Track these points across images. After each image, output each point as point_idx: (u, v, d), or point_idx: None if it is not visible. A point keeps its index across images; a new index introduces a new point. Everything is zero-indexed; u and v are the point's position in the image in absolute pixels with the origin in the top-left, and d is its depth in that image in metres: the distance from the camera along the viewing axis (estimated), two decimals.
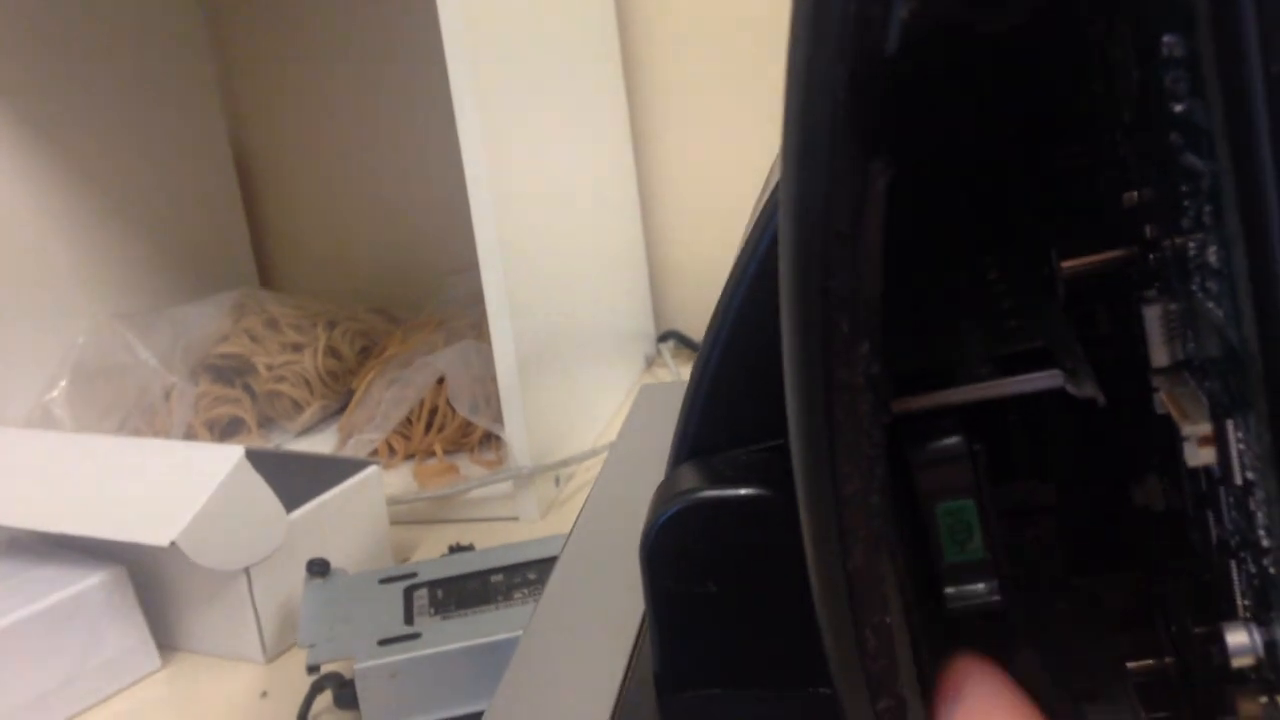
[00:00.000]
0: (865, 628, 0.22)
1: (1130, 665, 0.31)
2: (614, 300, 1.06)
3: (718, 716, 0.31)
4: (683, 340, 1.13)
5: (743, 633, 0.31)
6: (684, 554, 0.32)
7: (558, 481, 0.88)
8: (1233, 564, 0.23)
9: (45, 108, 1.00)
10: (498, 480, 0.85)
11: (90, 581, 0.69)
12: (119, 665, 0.71)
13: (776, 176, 0.27)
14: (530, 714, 0.32)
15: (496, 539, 0.79)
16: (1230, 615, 0.24)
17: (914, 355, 0.26)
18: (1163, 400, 0.24)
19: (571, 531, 0.44)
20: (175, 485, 0.70)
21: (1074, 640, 0.33)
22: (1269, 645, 0.22)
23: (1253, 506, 0.21)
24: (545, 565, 0.67)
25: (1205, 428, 0.22)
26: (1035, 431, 0.32)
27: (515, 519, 0.85)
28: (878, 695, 0.22)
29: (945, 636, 0.24)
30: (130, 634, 0.71)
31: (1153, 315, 0.24)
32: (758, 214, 0.32)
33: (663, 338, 1.14)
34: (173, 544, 0.66)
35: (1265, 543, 0.21)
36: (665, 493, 0.33)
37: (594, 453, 0.89)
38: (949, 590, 0.23)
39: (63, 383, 0.95)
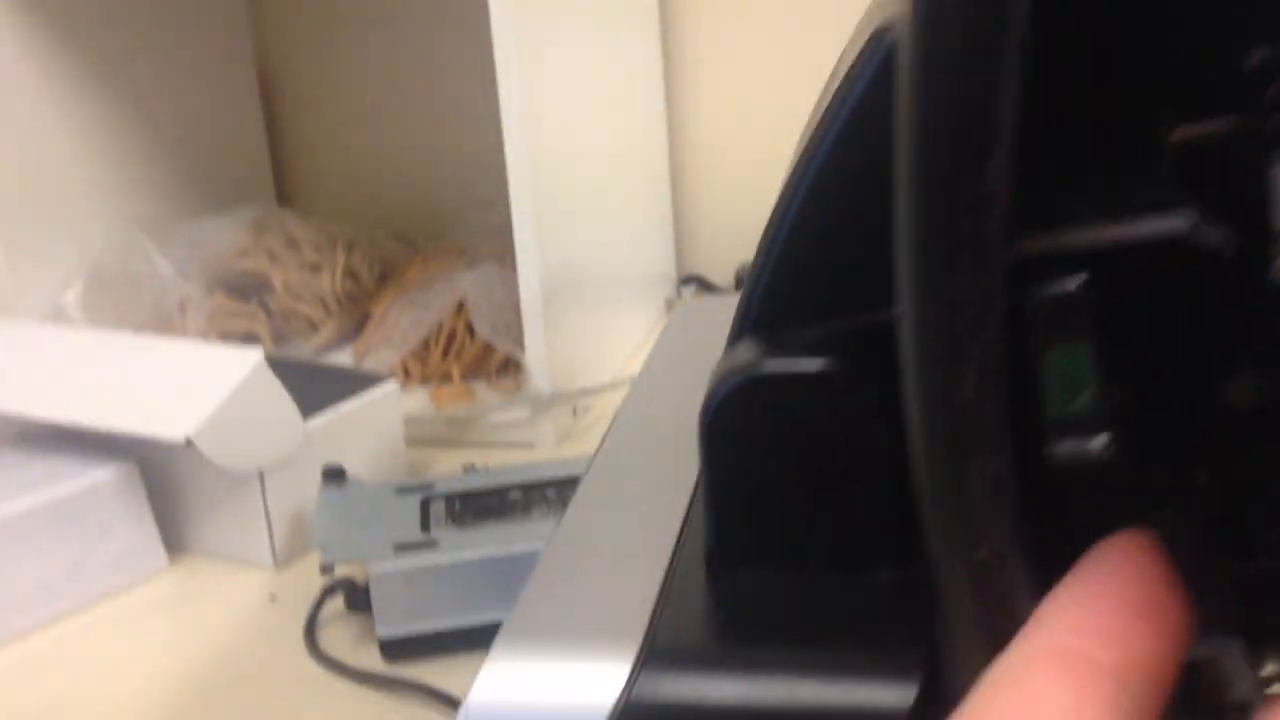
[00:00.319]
0: (972, 468, 0.20)
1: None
2: (638, 240, 1.05)
3: (772, 595, 0.30)
4: (705, 285, 1.12)
5: (803, 512, 0.30)
6: (746, 429, 0.30)
7: (575, 411, 0.86)
8: None
9: (72, 15, 0.98)
10: (515, 406, 0.84)
11: (100, 475, 0.68)
12: (125, 561, 0.70)
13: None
14: (574, 593, 0.31)
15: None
16: None
17: (1028, 200, 0.24)
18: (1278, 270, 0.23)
19: (603, 440, 0.42)
20: (193, 383, 0.69)
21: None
22: None
23: None
24: (565, 485, 0.66)
25: None
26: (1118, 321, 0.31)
27: (531, 445, 0.84)
28: (977, 544, 0.21)
29: (1055, 502, 0.23)
30: (138, 531, 0.70)
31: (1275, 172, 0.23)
32: (835, 83, 0.31)
33: (684, 281, 1.13)
34: (188, 441, 0.65)
35: None
36: (727, 365, 0.31)
37: (613, 385, 0.88)
38: (1055, 447, 0.22)
39: (78, 286, 0.93)
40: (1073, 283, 0.21)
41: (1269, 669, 0.26)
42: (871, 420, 0.30)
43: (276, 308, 1.01)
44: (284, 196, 1.25)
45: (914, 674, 0.27)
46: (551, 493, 0.66)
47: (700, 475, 0.31)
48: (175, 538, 0.73)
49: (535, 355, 0.82)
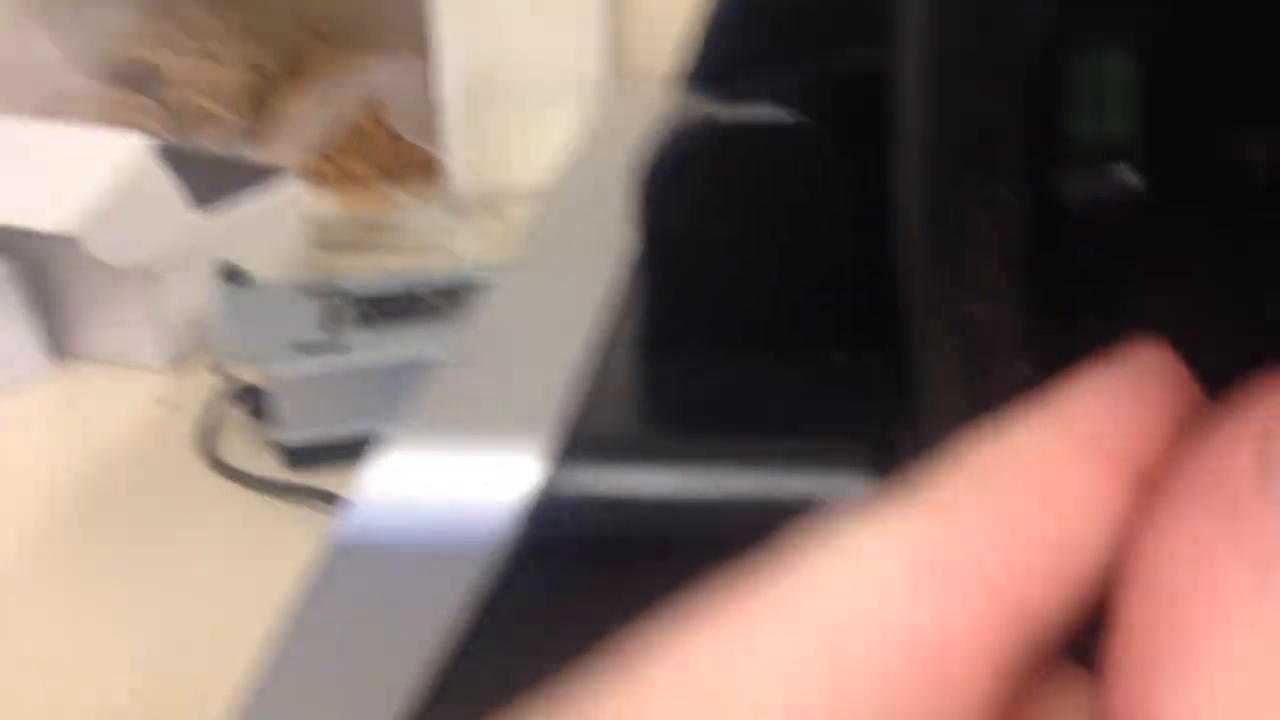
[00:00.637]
0: (972, 195, 0.16)
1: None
2: (569, 32, 0.97)
3: (710, 379, 0.26)
4: None
5: (751, 284, 0.26)
6: (692, 187, 0.26)
7: (499, 214, 0.81)
8: None
9: None
10: (432, 208, 0.78)
11: None
12: (3, 365, 0.64)
13: None
14: (484, 380, 0.27)
15: None
16: None
17: None
18: None
19: (522, 238, 0.37)
20: (74, 172, 0.62)
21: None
22: None
23: None
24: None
25: None
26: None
27: (451, 252, 0.79)
28: (972, 293, 0.16)
29: (1068, 242, 0.19)
30: (16, 332, 0.64)
31: None
32: None
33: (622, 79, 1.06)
34: (68, 234, 0.59)
35: None
36: (675, 116, 0.26)
37: (540, 188, 0.83)
38: (1071, 175, 0.17)
39: None
40: None
41: None
42: (836, 180, 0.25)
43: (171, 101, 0.93)
44: None
45: (862, 465, 0.23)
46: (476, 297, 0.61)
47: (630, 258, 0.27)
48: (61, 341, 0.67)
49: (456, 155, 0.76)
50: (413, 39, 0.90)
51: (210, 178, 0.70)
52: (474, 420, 0.25)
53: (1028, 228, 0.17)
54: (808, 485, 0.23)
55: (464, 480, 0.24)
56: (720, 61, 0.27)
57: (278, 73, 0.96)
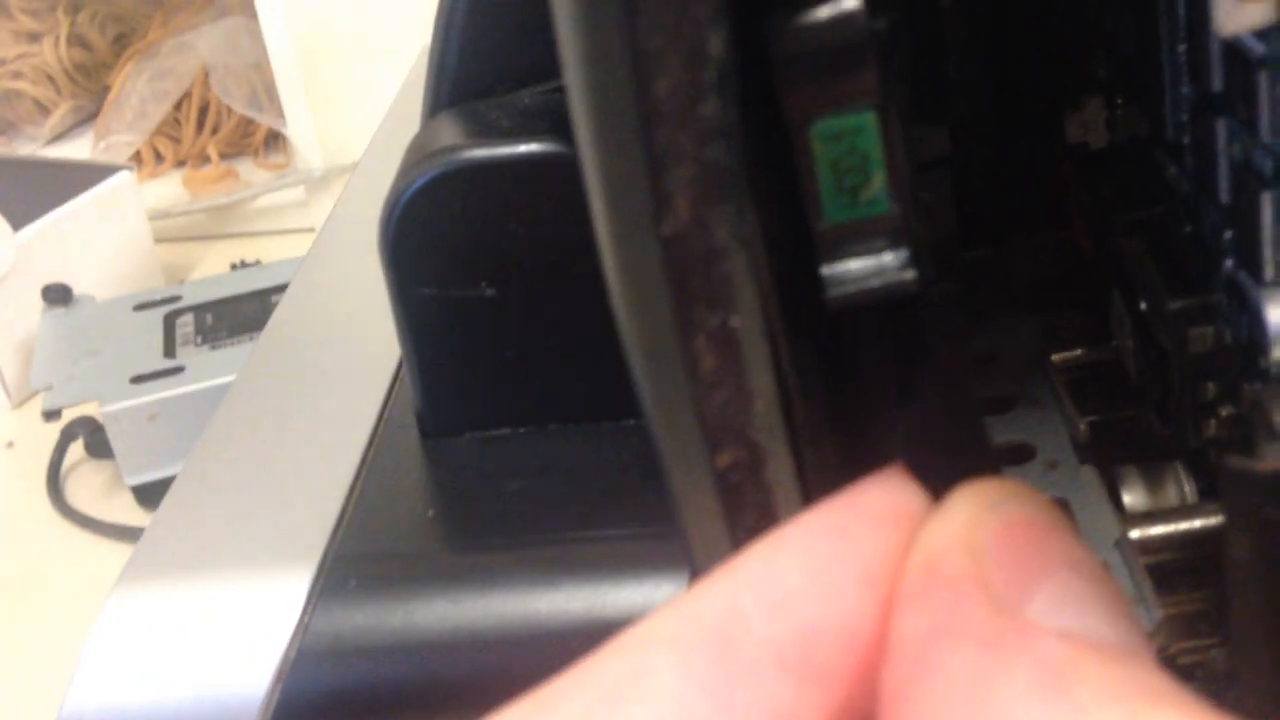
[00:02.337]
0: (695, 335, 0.12)
1: (1056, 358, 0.23)
2: None
3: (503, 464, 0.22)
4: None
5: (529, 350, 0.22)
6: (444, 242, 0.22)
7: None
8: (1266, 198, 0.15)
9: None
10: (284, 185, 0.73)
11: None
12: None
13: None
14: (243, 472, 0.23)
15: (289, 254, 0.68)
16: (1244, 278, 0.16)
17: None
18: None
19: (323, 226, 0.33)
20: None
21: (976, 333, 0.25)
22: None
23: None
24: None
25: None
26: (925, 57, 0.23)
27: (311, 230, 0.74)
28: (718, 445, 0.13)
29: (831, 344, 0.15)
30: None
31: None
32: None
33: None
34: None
35: None
36: (416, 152, 0.22)
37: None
38: (830, 269, 0.14)
39: None
40: (845, 4, 0.13)
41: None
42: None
43: None
44: None
45: (684, 566, 0.20)
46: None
47: (394, 308, 0.23)
48: None
49: (299, 124, 0.71)
50: None
51: (32, 186, 0.64)
52: (222, 548, 0.21)
53: (781, 351, 0.14)
54: (617, 596, 0.20)
55: (213, 634, 0.20)
56: (462, 85, 0.22)
57: (107, 44, 0.89)
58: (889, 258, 0.14)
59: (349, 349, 0.27)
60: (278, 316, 0.29)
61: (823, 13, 0.13)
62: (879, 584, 0.11)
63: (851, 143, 0.13)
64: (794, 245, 0.15)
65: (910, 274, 0.14)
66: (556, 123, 0.22)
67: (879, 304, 0.14)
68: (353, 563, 0.20)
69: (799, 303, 0.15)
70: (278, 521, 0.21)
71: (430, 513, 0.21)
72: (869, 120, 0.13)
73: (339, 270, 0.31)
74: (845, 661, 0.11)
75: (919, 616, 0.11)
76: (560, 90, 0.23)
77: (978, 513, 0.11)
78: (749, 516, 0.14)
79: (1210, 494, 0.19)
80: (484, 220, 0.22)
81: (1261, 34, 0.14)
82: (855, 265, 0.14)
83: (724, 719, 0.10)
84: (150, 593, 0.21)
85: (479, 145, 0.21)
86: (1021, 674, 0.10)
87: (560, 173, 0.21)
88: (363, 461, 0.23)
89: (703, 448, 0.13)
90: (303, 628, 0.20)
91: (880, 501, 0.12)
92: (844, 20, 0.13)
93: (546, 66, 0.23)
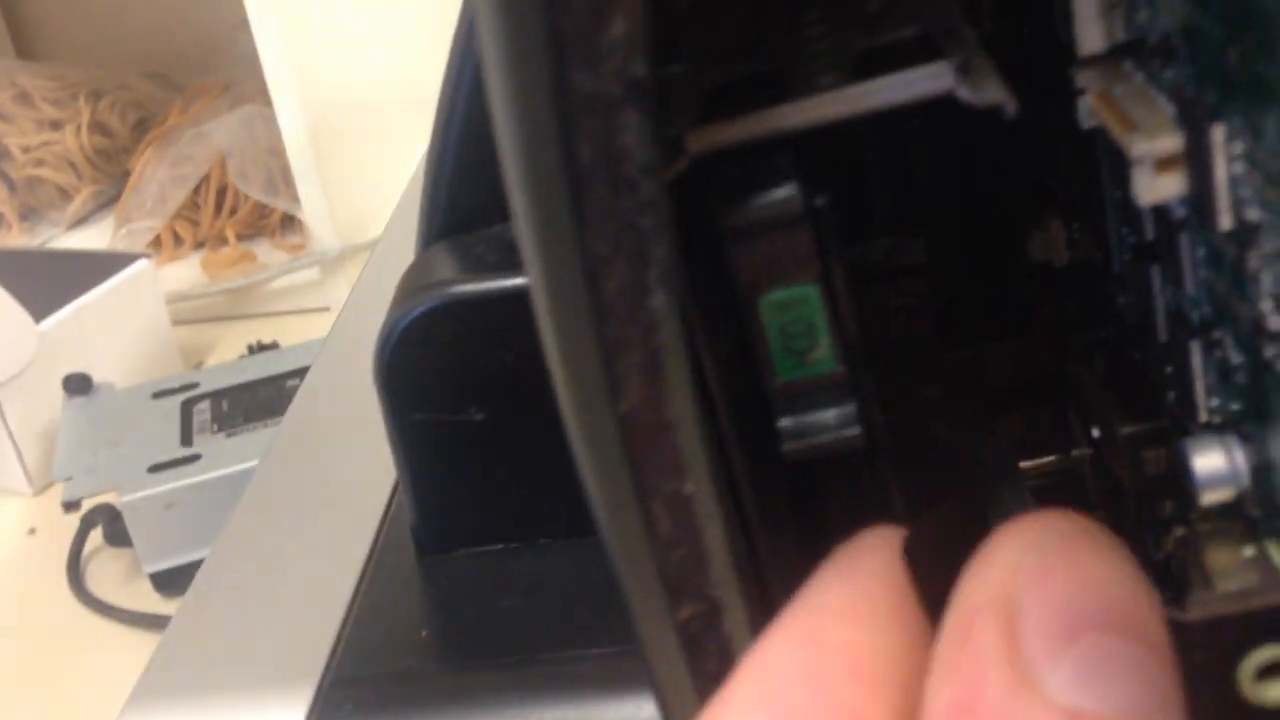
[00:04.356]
0: (652, 501, 0.13)
1: (1026, 465, 0.24)
2: (423, 54, 0.93)
3: (495, 581, 0.23)
4: None
5: (520, 471, 0.23)
6: (435, 370, 0.23)
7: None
8: (1194, 346, 0.16)
9: None
10: (300, 267, 0.74)
11: None
12: None
13: None
14: (248, 590, 0.24)
15: (306, 334, 0.69)
16: (1182, 414, 0.17)
17: (719, 60, 0.16)
18: (1093, 106, 0.16)
19: (330, 331, 0.34)
20: None
21: (947, 438, 0.26)
22: (1259, 471, 0.14)
23: (1253, 263, 0.13)
24: None
25: (1169, 143, 0.14)
26: (897, 169, 0.24)
27: (327, 309, 0.75)
28: (678, 600, 0.14)
29: (792, 490, 0.16)
30: None
31: None
32: None
33: None
34: None
35: (1272, 321, 0.13)
36: (409, 285, 0.23)
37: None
38: (783, 424, 0.15)
39: None
40: (780, 191, 0.14)
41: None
42: None
43: (18, 177, 0.88)
44: (20, 47, 1.09)
45: None
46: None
47: (390, 435, 0.24)
48: None
49: (314, 209, 0.72)
50: (264, 80, 0.85)
51: (51, 277, 0.66)
52: (226, 669, 0.22)
53: (736, 508, 0.14)
54: (603, 713, 0.20)
55: None
56: (453, 218, 0.24)
57: (127, 130, 0.92)
58: (835, 414, 0.15)
59: (354, 454, 0.28)
60: (290, 416, 0.30)
61: (764, 197, 0.14)
62: (877, 680, 0.12)
63: (798, 311, 0.15)
64: (755, 396, 0.16)
65: (855, 430, 0.15)
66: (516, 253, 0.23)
67: (834, 457, 0.15)
68: (349, 687, 0.21)
69: (764, 446, 0.16)
70: (280, 640, 0.22)
71: (424, 633, 0.22)
72: (811, 292, 0.14)
73: (350, 369, 0.32)
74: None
75: (947, 686, 0.11)
76: None
77: (1018, 558, 0.11)
78: (710, 663, 0.14)
79: (1174, 603, 0.20)
80: (472, 349, 0.23)
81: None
82: (807, 420, 0.15)
83: None
84: (162, 708, 0.21)
85: (466, 280, 0.22)
86: None
87: (520, 303, 0.22)
88: (361, 578, 0.24)
89: (664, 601, 0.14)
90: None
91: (848, 595, 0.13)
92: (783, 202, 0.14)
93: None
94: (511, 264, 0.23)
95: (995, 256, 0.25)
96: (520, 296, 0.22)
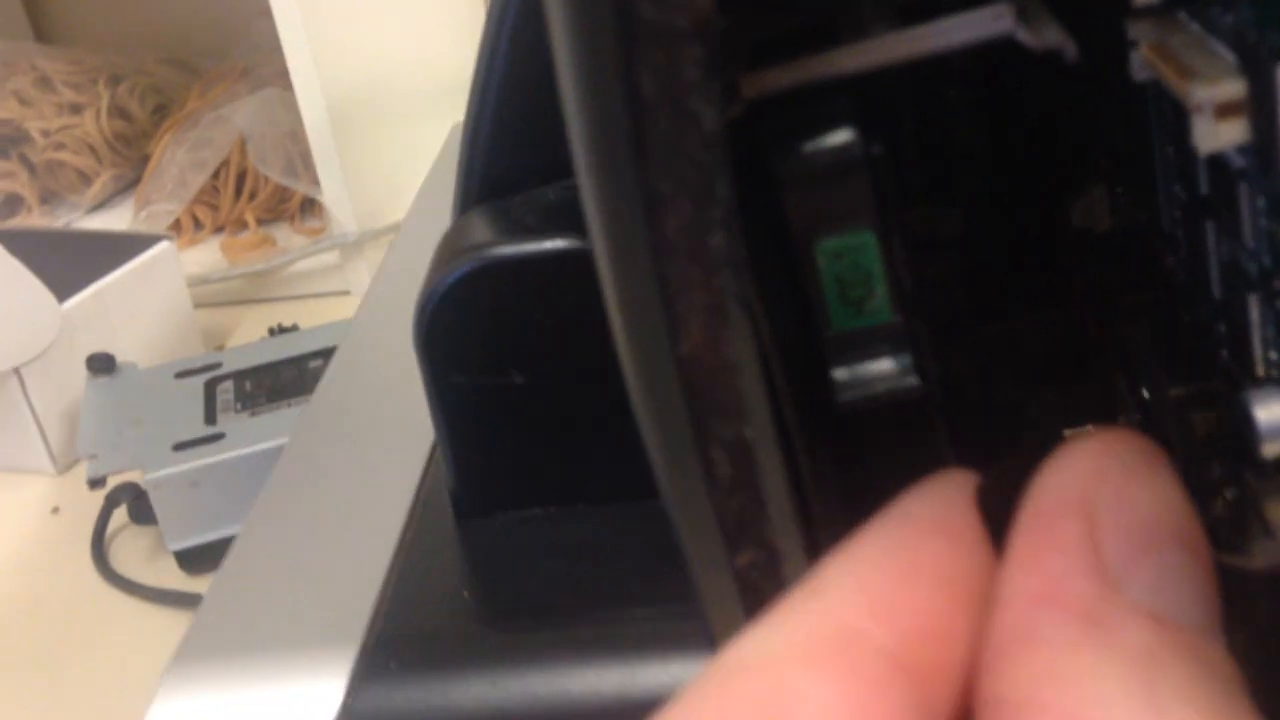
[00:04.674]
0: (712, 445, 0.13)
1: (1068, 433, 0.24)
2: (443, 37, 0.93)
3: (534, 544, 0.23)
4: None
5: (560, 435, 0.23)
6: (475, 333, 0.23)
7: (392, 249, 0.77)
8: (1253, 299, 0.16)
9: None
10: (319, 250, 0.74)
11: None
12: None
13: None
14: (287, 554, 0.24)
15: (325, 317, 0.69)
16: (1238, 371, 0.16)
17: (779, 10, 0.16)
18: (1147, 58, 0.16)
19: (361, 305, 0.34)
20: None
21: (988, 407, 0.26)
22: None
23: None
24: None
25: (1230, 88, 0.14)
26: (933, 140, 0.24)
27: (346, 293, 0.76)
28: (737, 545, 0.14)
29: (840, 444, 0.16)
30: None
31: None
32: None
33: None
34: None
35: None
36: (447, 250, 0.23)
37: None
38: (838, 374, 0.15)
39: None
40: (840, 135, 0.14)
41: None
42: None
43: (38, 160, 0.88)
44: (42, 31, 1.09)
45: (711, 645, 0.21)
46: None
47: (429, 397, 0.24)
48: None
49: (335, 193, 0.72)
50: (282, 64, 0.85)
51: (75, 257, 0.66)
52: (266, 632, 0.22)
53: (793, 456, 0.14)
54: (647, 675, 0.20)
55: (261, 716, 0.21)
56: (490, 182, 0.24)
57: (147, 115, 0.92)
58: (892, 364, 0.15)
59: (386, 428, 0.28)
60: (320, 393, 0.30)
61: (821, 142, 0.14)
62: (959, 590, 0.12)
63: (853, 259, 0.14)
64: (806, 347, 0.16)
65: (913, 379, 0.15)
66: (579, 219, 0.23)
67: (887, 407, 0.15)
68: (392, 645, 0.21)
69: (813, 398, 0.16)
70: (320, 604, 0.22)
71: (465, 594, 0.22)
72: (869, 240, 0.14)
73: (378, 347, 0.32)
74: (949, 663, 0.11)
75: (1030, 576, 0.11)
76: None
77: (1099, 465, 0.12)
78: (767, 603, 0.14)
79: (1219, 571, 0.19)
80: (512, 312, 0.23)
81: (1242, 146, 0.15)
82: (862, 370, 0.15)
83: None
84: (201, 674, 0.22)
85: (507, 242, 0.22)
86: (1115, 663, 0.10)
87: (583, 266, 0.22)
88: (400, 542, 0.24)
89: (723, 548, 0.14)
90: (346, 709, 0.21)
91: (931, 514, 0.13)
92: (841, 148, 0.14)
93: (568, 163, 0.24)
94: (552, 226, 0.23)
95: (1033, 227, 0.25)
96: (561, 259, 0.22)
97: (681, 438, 0.14)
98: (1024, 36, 0.14)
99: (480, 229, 0.23)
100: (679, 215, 0.12)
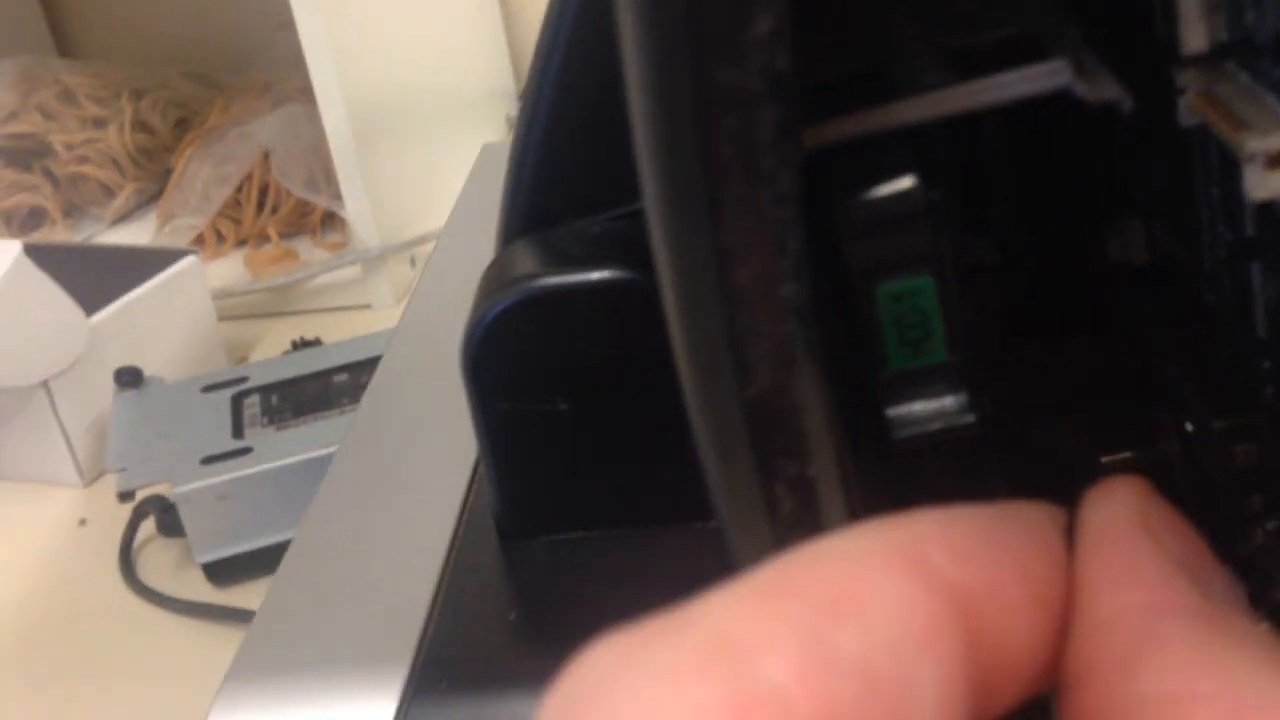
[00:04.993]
0: (776, 483, 0.14)
1: (1105, 460, 0.25)
2: (464, 52, 0.94)
3: (577, 566, 0.24)
4: None
5: (604, 460, 0.24)
6: (521, 362, 0.23)
7: (413, 262, 0.78)
8: None
9: None
10: (342, 265, 0.75)
11: None
12: None
13: None
14: (335, 575, 0.24)
15: (347, 331, 0.70)
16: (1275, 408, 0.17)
17: (828, 56, 0.17)
18: (1195, 105, 0.16)
19: (399, 323, 0.35)
20: None
21: (1023, 431, 0.26)
22: None
23: None
24: None
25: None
26: (970, 171, 0.24)
27: (367, 306, 0.76)
28: None
29: (894, 480, 0.16)
30: None
31: None
32: None
33: (525, 95, 1.02)
34: None
35: None
36: (493, 280, 0.24)
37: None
38: (895, 411, 0.15)
39: None
40: (903, 183, 0.15)
41: None
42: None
43: (62, 174, 0.89)
44: (62, 45, 1.10)
45: None
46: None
47: (474, 421, 0.24)
48: None
49: (357, 208, 0.73)
50: (305, 79, 0.86)
51: (101, 271, 0.67)
52: (319, 650, 0.23)
53: (854, 490, 0.15)
54: None
55: None
56: (534, 213, 0.24)
57: (169, 129, 0.93)
58: (949, 402, 0.15)
59: (428, 448, 0.29)
60: (364, 410, 0.30)
61: (884, 189, 0.15)
62: (1033, 581, 0.12)
63: (912, 302, 0.15)
64: (861, 384, 0.16)
65: (969, 417, 0.15)
66: (622, 250, 0.23)
67: (940, 444, 0.15)
68: (443, 665, 0.21)
69: (867, 434, 0.16)
70: (369, 623, 0.23)
71: (511, 616, 0.23)
72: (927, 284, 0.15)
73: (421, 364, 0.33)
74: (1005, 642, 0.12)
75: (1133, 590, 0.12)
76: (624, 217, 0.25)
77: (1144, 503, 0.13)
78: None
79: (1257, 600, 0.20)
80: (558, 341, 0.23)
81: None
82: (918, 408, 0.16)
83: (937, 644, 0.11)
84: (255, 692, 0.22)
85: (552, 273, 0.23)
86: (1247, 650, 0.11)
87: (627, 297, 0.23)
88: (446, 562, 0.24)
89: None
90: None
91: (1028, 520, 0.13)
92: (903, 195, 0.15)
93: (610, 195, 0.24)
94: (596, 257, 0.23)
95: (1070, 257, 0.25)
96: (605, 289, 0.23)
97: (746, 475, 0.14)
98: (1081, 91, 0.14)
99: (525, 260, 0.24)
100: (750, 267, 0.13)
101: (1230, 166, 0.16)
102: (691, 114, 0.12)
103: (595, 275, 0.23)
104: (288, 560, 0.25)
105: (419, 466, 0.27)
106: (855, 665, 0.11)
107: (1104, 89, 0.14)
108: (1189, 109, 0.17)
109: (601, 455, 0.24)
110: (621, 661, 0.11)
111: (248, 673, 0.22)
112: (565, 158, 0.24)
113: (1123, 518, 0.12)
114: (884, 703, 0.11)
